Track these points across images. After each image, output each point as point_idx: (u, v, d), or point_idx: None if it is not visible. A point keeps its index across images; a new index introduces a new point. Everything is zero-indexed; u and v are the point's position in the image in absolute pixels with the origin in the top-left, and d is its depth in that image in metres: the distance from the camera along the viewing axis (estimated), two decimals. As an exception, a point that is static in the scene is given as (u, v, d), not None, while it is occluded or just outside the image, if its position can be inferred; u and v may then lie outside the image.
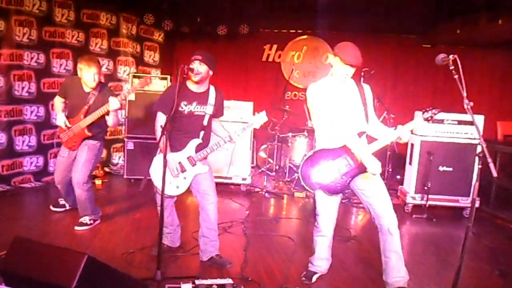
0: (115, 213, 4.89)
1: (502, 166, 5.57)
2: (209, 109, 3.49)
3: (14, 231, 3.89)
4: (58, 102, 4.41)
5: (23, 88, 5.73)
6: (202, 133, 3.50)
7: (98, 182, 6.18)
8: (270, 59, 8.38)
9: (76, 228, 4.29)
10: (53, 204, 4.88)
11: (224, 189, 6.08)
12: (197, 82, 3.42)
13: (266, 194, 6.24)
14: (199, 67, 3.37)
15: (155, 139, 5.81)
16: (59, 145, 6.25)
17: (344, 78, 3.09)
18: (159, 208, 3.35)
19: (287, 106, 6.85)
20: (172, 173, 3.42)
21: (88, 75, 4.09)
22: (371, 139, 3.21)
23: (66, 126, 4.24)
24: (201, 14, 7.53)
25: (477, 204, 2.58)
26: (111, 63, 6.95)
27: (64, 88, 4.36)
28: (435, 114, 3.03)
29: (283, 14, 7.91)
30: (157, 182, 3.45)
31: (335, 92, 3.13)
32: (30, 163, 5.93)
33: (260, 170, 7.17)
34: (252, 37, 7.93)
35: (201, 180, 3.53)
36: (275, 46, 8.36)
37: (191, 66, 3.33)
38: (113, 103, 4.00)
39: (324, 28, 8.08)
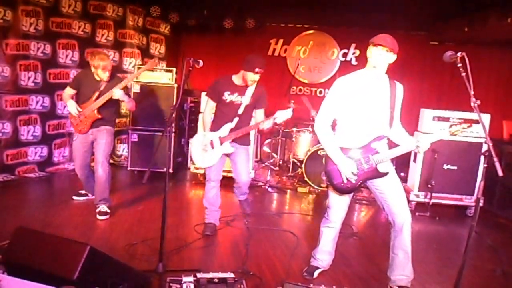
0: (118, 205, 4.89)
1: (508, 165, 5.54)
2: (245, 99, 4.02)
3: (17, 220, 3.93)
4: (67, 93, 4.50)
5: (29, 78, 5.75)
6: (236, 119, 4.02)
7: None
8: (276, 54, 8.36)
9: (99, 217, 4.37)
10: (75, 194, 4.98)
11: (227, 182, 6.07)
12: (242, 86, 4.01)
13: (269, 189, 6.24)
14: (258, 77, 3.96)
15: (159, 131, 5.91)
16: (64, 136, 6.34)
17: (386, 67, 3.00)
18: (206, 182, 4.19)
19: (292, 101, 6.82)
20: (204, 148, 4.08)
21: (104, 73, 4.32)
22: (390, 144, 3.15)
23: (77, 110, 4.39)
24: (208, 7, 7.52)
25: (481, 204, 2.56)
26: (117, 54, 6.96)
27: (78, 81, 4.48)
28: (464, 129, 2.88)
29: (289, 8, 7.87)
30: (196, 160, 4.16)
31: (365, 89, 3.04)
32: (35, 153, 5.96)
33: (263, 165, 7.17)
34: (258, 31, 7.90)
35: (237, 164, 4.16)
36: (281, 41, 8.34)
37: (256, 78, 3.92)
38: (116, 93, 4.27)
39: (331, 24, 8.05)
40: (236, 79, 4.03)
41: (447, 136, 2.94)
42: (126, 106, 4.64)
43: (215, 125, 4.10)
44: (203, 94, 6.32)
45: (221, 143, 4.01)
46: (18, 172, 5.71)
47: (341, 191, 3.15)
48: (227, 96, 4.00)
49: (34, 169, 5.94)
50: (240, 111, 4.03)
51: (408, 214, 3.04)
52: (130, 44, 7.09)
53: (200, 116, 6.28)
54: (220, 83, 4.06)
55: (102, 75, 4.34)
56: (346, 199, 3.28)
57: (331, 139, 3.11)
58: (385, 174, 3.07)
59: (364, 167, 3.05)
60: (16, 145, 5.70)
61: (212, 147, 4.03)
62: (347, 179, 3.05)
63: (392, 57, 2.98)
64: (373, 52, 2.99)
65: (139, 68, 6.56)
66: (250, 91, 4.02)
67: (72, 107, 4.39)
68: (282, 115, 3.81)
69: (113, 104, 4.52)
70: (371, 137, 3.06)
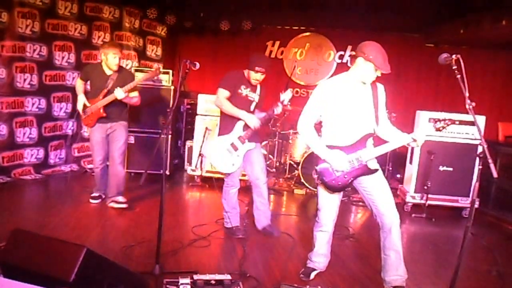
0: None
1: (503, 167, 5.57)
2: (256, 97, 4.11)
3: (13, 222, 3.91)
4: (79, 84, 4.78)
5: (25, 80, 5.73)
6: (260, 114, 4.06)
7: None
8: (273, 55, 8.37)
9: (116, 205, 4.77)
10: (91, 197, 4.98)
11: (222, 184, 6.07)
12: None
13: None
14: (261, 77, 3.99)
15: (155, 133, 5.88)
16: (60, 138, 6.32)
17: (370, 82, 3.10)
18: (227, 189, 4.20)
19: (289, 103, 6.83)
20: (228, 151, 3.99)
21: (114, 59, 4.55)
22: (380, 142, 3.17)
23: (85, 106, 4.64)
24: (204, 9, 7.52)
25: (476, 205, 2.58)
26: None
27: (86, 72, 4.76)
28: (447, 125, 2.98)
29: (286, 10, 7.88)
30: (217, 164, 4.05)
31: (348, 91, 3.12)
32: (31, 155, 5.94)
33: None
34: (255, 33, 7.93)
35: (254, 164, 4.11)
36: (277, 43, 8.35)
37: (257, 77, 3.94)
38: (118, 93, 4.45)
39: (327, 26, 8.08)
40: (246, 76, 4.06)
41: (433, 131, 3.01)
42: (131, 102, 4.76)
43: (228, 123, 4.02)
44: (200, 96, 6.33)
45: (243, 143, 4.00)
46: (14, 174, 5.69)
47: (333, 188, 3.17)
48: (243, 90, 4.02)
49: (30, 171, 5.92)
50: (252, 108, 4.08)
51: (396, 214, 3.07)
52: (127, 46, 7.08)
53: (197, 117, 6.29)
54: (235, 76, 4.05)
55: (112, 61, 4.53)
56: (336, 199, 3.31)
57: (316, 138, 3.18)
58: (375, 170, 3.12)
59: (355, 164, 3.08)
60: (12, 147, 5.68)
61: (236, 149, 4.00)
62: (339, 174, 3.08)
63: (378, 75, 3.07)
64: (361, 64, 3.03)
65: (136, 70, 6.57)
66: (258, 89, 4.13)
67: (79, 102, 4.65)
68: (286, 96, 3.98)
69: (119, 101, 4.61)
70: (359, 136, 3.12)
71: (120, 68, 4.73)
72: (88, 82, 4.81)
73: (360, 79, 3.09)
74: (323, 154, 3.12)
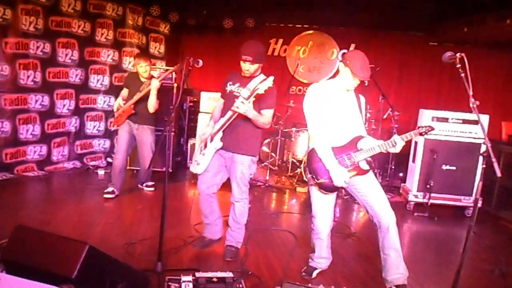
0: (117, 204, 4.91)
1: (506, 166, 5.54)
2: (244, 92, 3.36)
3: (16, 219, 3.92)
4: (122, 94, 5.23)
5: (28, 77, 5.74)
6: (229, 113, 3.42)
7: (100, 172, 6.21)
8: (276, 54, 8.36)
9: (147, 189, 5.56)
10: (105, 191, 5.06)
11: (226, 182, 6.07)
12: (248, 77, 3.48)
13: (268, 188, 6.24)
14: (251, 67, 3.40)
15: (158, 130, 5.90)
16: (63, 135, 6.33)
17: (351, 88, 3.15)
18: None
19: (292, 101, 6.83)
20: (200, 151, 3.67)
21: (141, 68, 5.07)
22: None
23: (120, 106, 5.10)
24: (207, 6, 7.51)
25: (479, 204, 2.57)
26: (117, 54, 6.95)
27: (126, 80, 5.34)
28: (428, 130, 2.99)
29: (289, 8, 7.86)
30: (192, 166, 3.80)
31: (338, 95, 3.17)
32: (34, 152, 5.96)
33: (262, 164, 7.17)
34: (258, 31, 7.90)
35: (230, 177, 3.67)
36: (281, 41, 8.34)
37: (245, 68, 3.39)
38: (154, 83, 4.86)
39: (330, 24, 8.06)
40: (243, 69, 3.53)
41: (416, 137, 3.05)
42: (151, 102, 4.97)
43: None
44: (203, 93, 6.33)
45: (212, 140, 3.54)
46: (17, 171, 5.70)
47: (327, 189, 3.17)
48: (228, 86, 3.58)
49: (33, 168, 5.93)
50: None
51: (392, 213, 3.07)
52: (130, 44, 7.07)
53: (200, 115, 6.29)
54: (229, 75, 3.67)
55: (141, 70, 5.08)
56: (330, 202, 3.32)
57: (327, 148, 3.11)
58: (367, 171, 3.13)
59: (347, 164, 3.09)
60: (15, 144, 5.69)
61: (205, 147, 3.61)
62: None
63: (358, 83, 3.13)
64: (342, 71, 3.12)
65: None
66: (252, 84, 3.38)
67: (116, 103, 5.19)
68: (262, 86, 3.22)
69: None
70: (350, 137, 3.14)
71: (152, 78, 5.09)
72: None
73: (343, 86, 3.15)
74: (329, 167, 3.07)
